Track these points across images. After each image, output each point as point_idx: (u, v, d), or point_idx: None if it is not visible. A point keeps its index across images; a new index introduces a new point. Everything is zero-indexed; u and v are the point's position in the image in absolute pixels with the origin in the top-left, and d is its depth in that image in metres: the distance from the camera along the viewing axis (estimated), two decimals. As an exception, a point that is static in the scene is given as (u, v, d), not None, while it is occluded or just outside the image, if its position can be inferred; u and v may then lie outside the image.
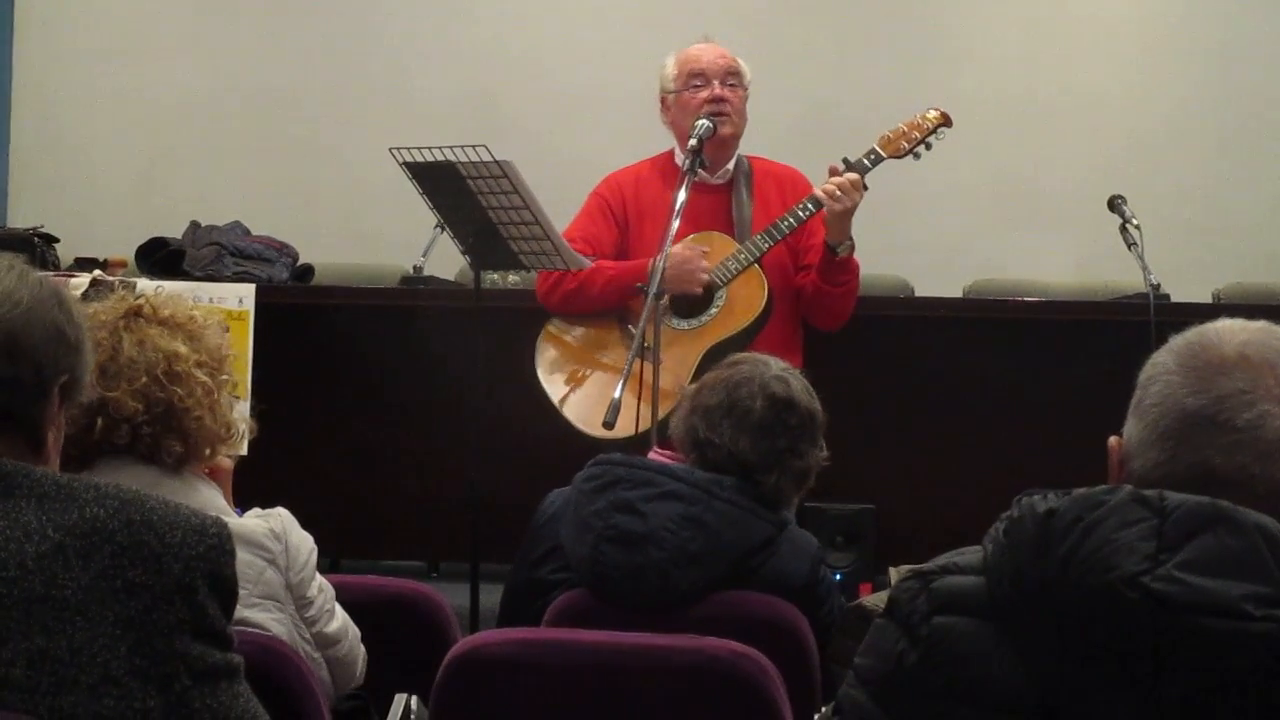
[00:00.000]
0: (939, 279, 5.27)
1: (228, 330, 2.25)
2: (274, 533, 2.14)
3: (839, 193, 3.52)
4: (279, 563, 2.13)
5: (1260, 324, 1.40)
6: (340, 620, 2.23)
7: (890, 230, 5.22)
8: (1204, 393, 1.34)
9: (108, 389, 2.01)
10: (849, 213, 3.55)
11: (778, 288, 3.65)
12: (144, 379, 2.04)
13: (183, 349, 2.07)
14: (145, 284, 3.23)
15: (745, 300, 3.60)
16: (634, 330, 3.60)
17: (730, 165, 3.73)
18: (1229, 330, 1.38)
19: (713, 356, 3.53)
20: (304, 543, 2.19)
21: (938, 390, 4.37)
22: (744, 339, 3.57)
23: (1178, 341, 1.39)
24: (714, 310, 3.62)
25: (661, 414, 3.29)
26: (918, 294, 5.15)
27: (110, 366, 2.04)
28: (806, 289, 3.66)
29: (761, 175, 3.74)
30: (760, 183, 3.73)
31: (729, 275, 3.61)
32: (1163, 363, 1.38)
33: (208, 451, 2.09)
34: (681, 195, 3.45)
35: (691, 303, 3.62)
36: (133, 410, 2.02)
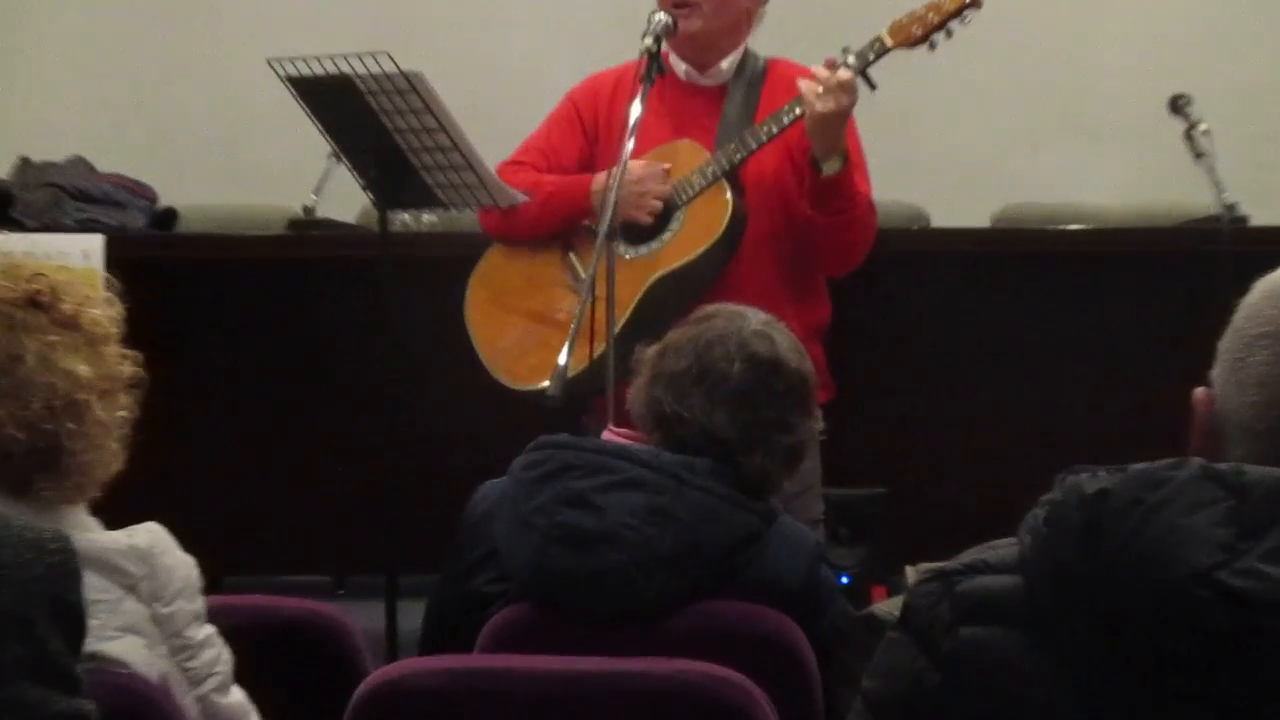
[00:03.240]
0: (960, 205, 5.26)
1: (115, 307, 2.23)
2: (137, 552, 2.12)
3: (821, 90, 3.47)
4: (141, 590, 2.11)
5: None
6: (239, 697, 2.22)
7: (899, 143, 5.23)
8: None
9: None
10: (837, 118, 3.46)
11: (777, 217, 3.64)
12: (36, 406, 2.03)
13: (84, 370, 2.06)
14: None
15: (704, 221, 3.60)
16: (579, 265, 3.61)
17: (727, 64, 3.71)
18: None
19: (658, 291, 3.57)
20: (179, 567, 2.16)
21: (961, 345, 4.40)
22: (702, 269, 3.57)
23: None
24: (667, 235, 3.63)
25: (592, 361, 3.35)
26: (934, 224, 5.16)
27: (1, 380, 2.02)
28: (801, 219, 3.64)
29: (777, 79, 3.70)
30: (772, 87, 3.70)
31: (691, 192, 3.61)
32: (1270, 314, 1.37)
33: (83, 494, 2.09)
34: (635, 109, 3.44)
35: (645, 227, 3.62)
36: (9, 440, 2.01)
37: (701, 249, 3.58)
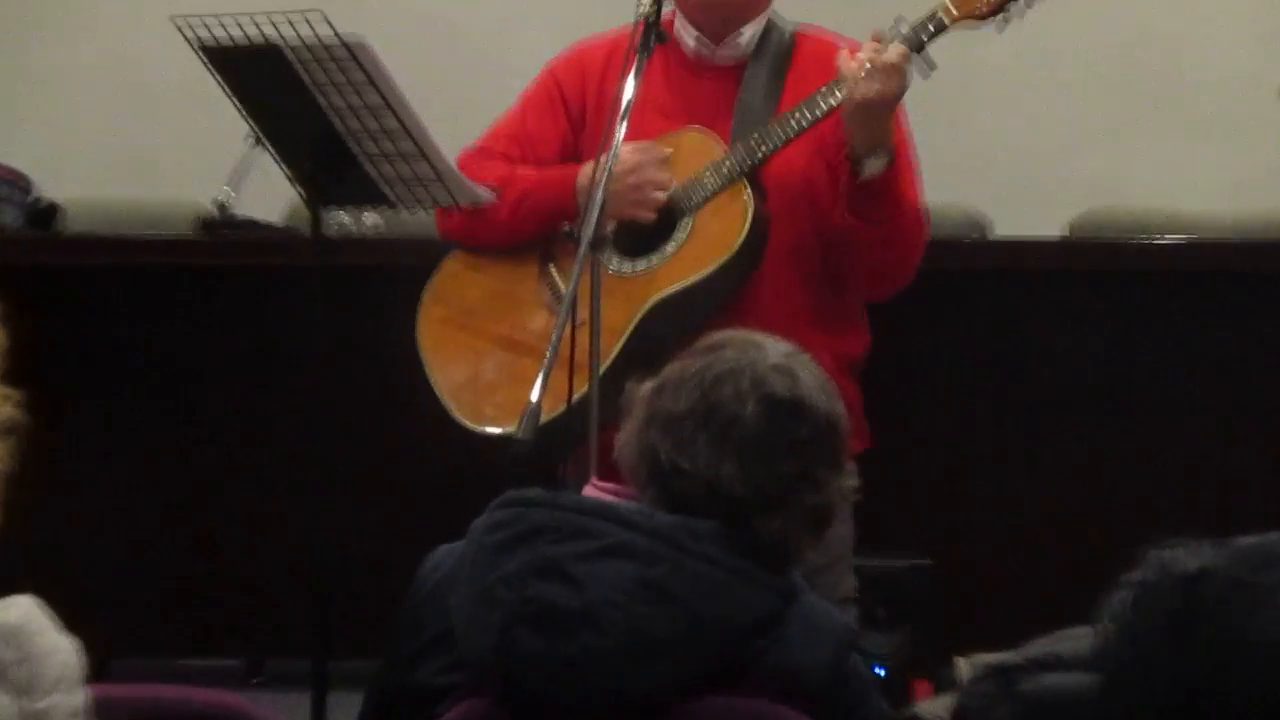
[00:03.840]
0: (1030, 213, 5.26)
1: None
2: (5, 631, 2.12)
3: (865, 71, 3.45)
4: (10, 679, 2.11)
5: None
6: None
7: (958, 139, 5.25)
8: None
9: None
10: (883, 106, 3.45)
11: (804, 227, 3.63)
12: None
13: None
14: None
15: (717, 231, 3.58)
16: (560, 281, 3.59)
17: (747, 36, 3.69)
18: None
19: (658, 317, 3.54)
20: (57, 651, 2.15)
21: (1027, 384, 4.42)
22: (712, 292, 3.56)
23: None
24: (671, 246, 3.60)
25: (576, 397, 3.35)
26: (997, 235, 5.17)
27: None
28: (834, 229, 3.62)
29: (807, 55, 3.68)
30: (802, 65, 3.68)
31: (703, 194, 3.58)
32: None
33: None
34: (628, 87, 3.44)
35: (642, 233, 3.62)
36: None
37: (713, 266, 3.55)
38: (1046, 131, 6.11)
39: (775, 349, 2.59)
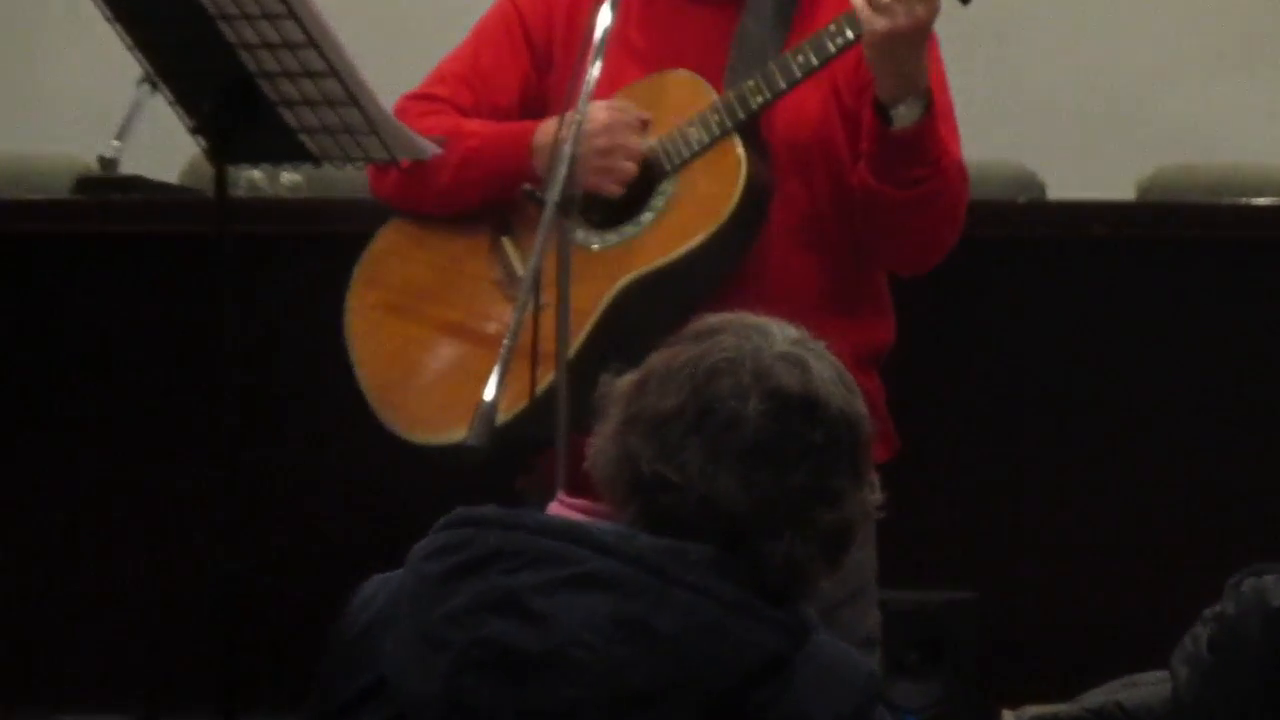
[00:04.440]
0: (1092, 168, 5.28)
1: None
2: None
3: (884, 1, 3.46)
4: None
5: None
6: None
7: (1004, 81, 5.23)
8: None
9: None
10: (906, 41, 3.46)
11: (819, 189, 3.66)
12: None
13: None
14: None
15: (702, 199, 3.61)
16: (515, 257, 3.63)
17: None
18: None
19: (632, 300, 3.57)
20: None
21: (1090, 376, 4.43)
22: (699, 270, 3.58)
23: None
24: (648, 216, 3.64)
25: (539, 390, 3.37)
26: (1052, 196, 5.19)
27: None
28: (858, 193, 3.63)
29: None
30: (810, 1, 3.72)
31: (687, 152, 3.61)
32: None
33: None
34: (603, 17, 3.45)
35: (614, 200, 3.62)
36: None
37: (698, 239, 3.58)
38: (1110, 73, 6.12)
39: (783, 334, 2.58)
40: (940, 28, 3.49)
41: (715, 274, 3.58)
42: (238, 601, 3.58)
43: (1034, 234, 4.55)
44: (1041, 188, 5.25)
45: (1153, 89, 6.13)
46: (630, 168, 3.59)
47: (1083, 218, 4.58)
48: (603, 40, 3.42)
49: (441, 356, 3.71)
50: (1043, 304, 4.43)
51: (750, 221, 3.59)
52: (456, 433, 3.34)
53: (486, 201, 3.70)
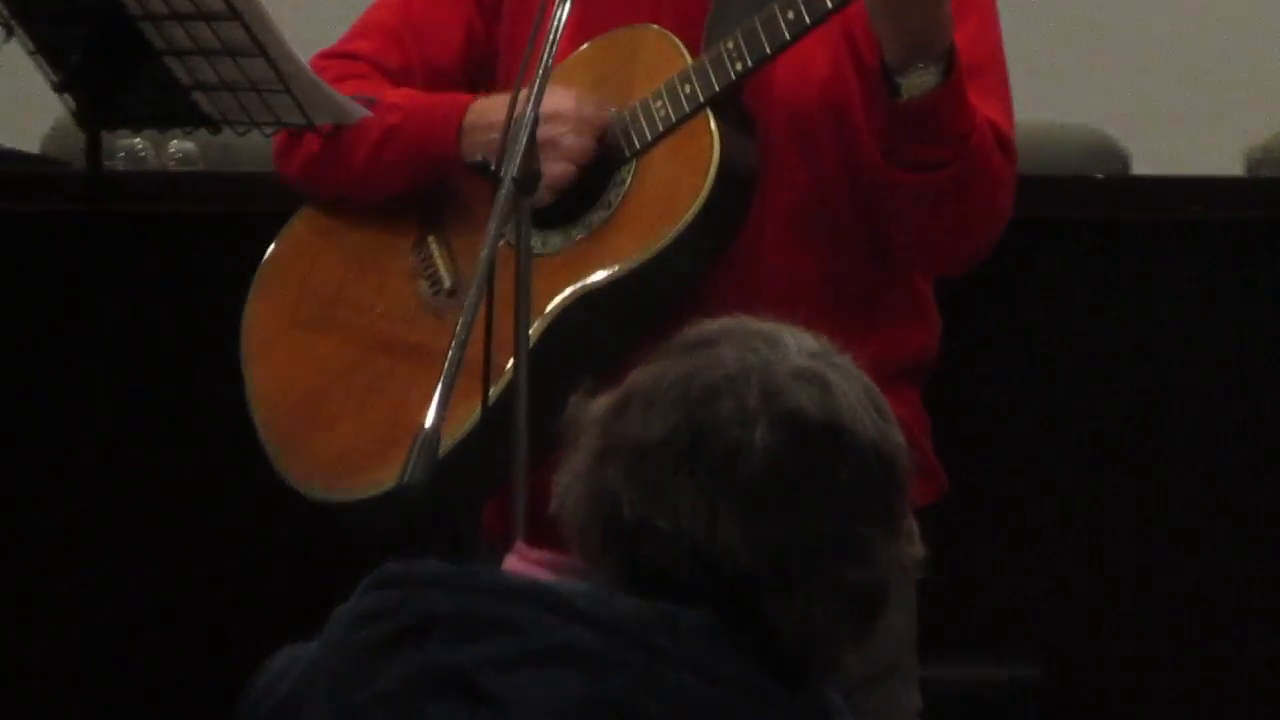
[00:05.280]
0: (1188, 140, 5.32)
1: None
2: None
3: None
4: None
5: None
6: None
7: (1081, 35, 5.29)
8: None
9: None
10: None
11: (832, 165, 3.70)
12: None
13: None
14: None
15: (666, 191, 3.66)
16: (439, 258, 3.74)
17: None
18: None
19: (583, 314, 3.63)
20: None
21: (1190, 392, 4.47)
22: (666, 276, 3.63)
23: None
24: (601, 214, 3.69)
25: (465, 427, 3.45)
26: (1138, 171, 5.24)
27: None
28: (874, 172, 3.64)
29: None
30: None
31: (652, 131, 3.66)
32: None
33: None
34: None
35: (558, 195, 3.65)
36: None
37: (656, 246, 3.62)
38: (1207, 28, 6.18)
39: (798, 345, 2.56)
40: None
41: (688, 277, 3.63)
42: (127, 659, 3.62)
43: (1115, 215, 4.60)
44: (1125, 160, 5.31)
45: (1263, 48, 6.23)
46: (569, 171, 3.63)
47: (1176, 196, 4.62)
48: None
49: (356, 383, 3.76)
50: (1127, 303, 4.49)
51: (726, 216, 3.64)
52: (384, 482, 3.44)
53: (413, 186, 3.78)
